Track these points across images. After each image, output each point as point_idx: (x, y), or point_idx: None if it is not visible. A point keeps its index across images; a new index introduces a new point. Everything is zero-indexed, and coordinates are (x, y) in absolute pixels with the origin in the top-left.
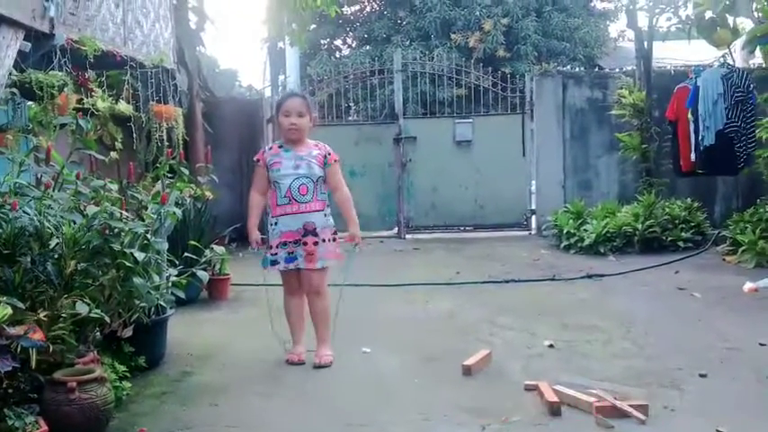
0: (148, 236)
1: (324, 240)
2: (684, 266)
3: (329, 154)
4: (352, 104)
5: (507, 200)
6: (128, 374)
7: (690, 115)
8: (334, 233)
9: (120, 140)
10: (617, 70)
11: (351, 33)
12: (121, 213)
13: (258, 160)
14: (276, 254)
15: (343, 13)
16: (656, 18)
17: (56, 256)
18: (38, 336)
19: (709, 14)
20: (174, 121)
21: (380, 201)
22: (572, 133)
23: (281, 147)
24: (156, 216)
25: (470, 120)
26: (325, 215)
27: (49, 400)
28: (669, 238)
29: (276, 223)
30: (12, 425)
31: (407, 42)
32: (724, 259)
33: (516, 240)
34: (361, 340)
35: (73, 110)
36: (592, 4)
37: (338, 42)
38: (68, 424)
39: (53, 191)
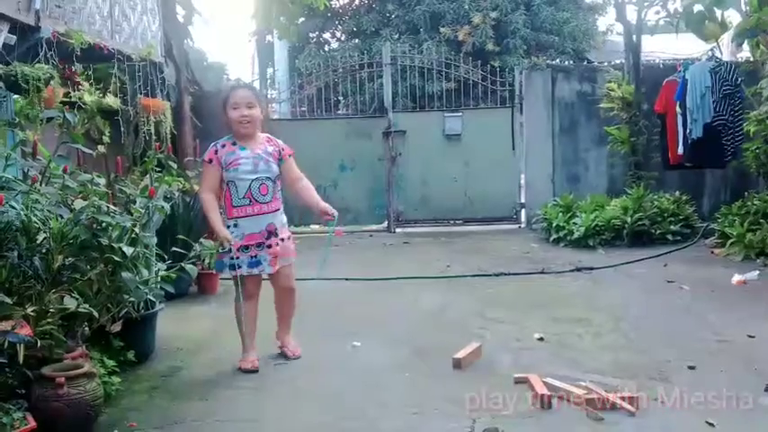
0: (137, 230)
1: (282, 240)
2: (673, 259)
3: (282, 149)
4: (341, 98)
5: (497, 193)
6: (117, 369)
7: (678, 108)
8: (289, 231)
9: (107, 134)
10: (606, 64)
11: (339, 27)
12: (109, 207)
13: (210, 160)
14: (237, 257)
15: (331, 6)
16: (644, 11)
17: (43, 251)
18: (25, 331)
19: (697, 8)
20: (162, 114)
21: (370, 195)
22: (561, 127)
23: (234, 144)
24: (144, 210)
25: (460, 113)
26: (282, 213)
27: (38, 395)
28: (658, 231)
29: (235, 225)
30: None
31: (396, 36)
32: (712, 252)
33: (506, 234)
34: (352, 334)
35: (60, 103)
36: None
37: (327, 36)
38: (57, 419)
39: (40, 185)
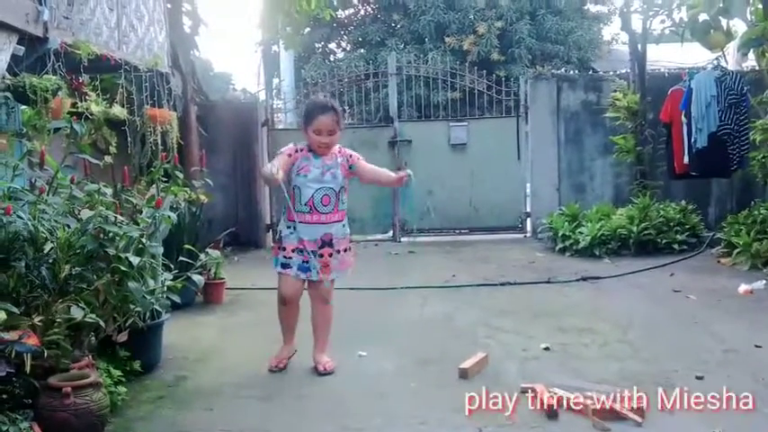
0: (143, 240)
1: (338, 252)
2: (679, 269)
3: (350, 157)
4: (346, 108)
5: (502, 203)
6: (123, 379)
7: (683, 118)
8: (349, 241)
9: (114, 144)
10: (611, 73)
11: (345, 37)
12: (116, 217)
13: (289, 154)
14: (290, 258)
15: (337, 16)
16: (649, 21)
17: (50, 261)
18: (32, 341)
19: (702, 17)
20: (169, 124)
21: (375, 204)
22: (566, 136)
23: (310, 151)
24: (150, 220)
25: (465, 123)
26: (344, 225)
27: (44, 405)
28: (664, 241)
29: (294, 228)
30: (6, 431)
31: (402, 46)
32: (719, 261)
33: (511, 243)
34: (358, 343)
35: (67, 114)
36: (585, 8)
37: (332, 46)
38: (63, 429)
39: (47, 195)
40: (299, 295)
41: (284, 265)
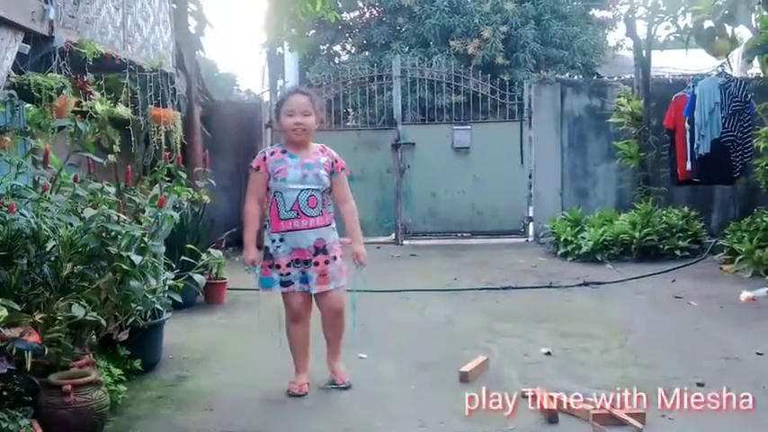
0: (145, 239)
1: (334, 258)
2: (681, 275)
3: (336, 161)
4: (350, 110)
5: (505, 207)
6: (123, 378)
7: (686, 124)
8: (341, 247)
9: (118, 144)
10: (615, 78)
11: (350, 39)
12: (119, 216)
13: (258, 167)
14: (289, 273)
15: (342, 18)
16: (654, 27)
17: (52, 259)
18: (33, 338)
19: (707, 24)
20: (173, 124)
21: (378, 206)
22: (570, 141)
23: (284, 152)
24: (153, 219)
25: (469, 126)
26: (333, 229)
27: (44, 403)
28: (666, 247)
29: (282, 240)
30: (6, 428)
31: (406, 49)
32: (721, 268)
33: (514, 247)
34: (358, 346)
35: (71, 112)
36: (590, 13)
37: (337, 48)
38: (63, 427)
39: (50, 193)
40: (309, 308)
41: (284, 283)
